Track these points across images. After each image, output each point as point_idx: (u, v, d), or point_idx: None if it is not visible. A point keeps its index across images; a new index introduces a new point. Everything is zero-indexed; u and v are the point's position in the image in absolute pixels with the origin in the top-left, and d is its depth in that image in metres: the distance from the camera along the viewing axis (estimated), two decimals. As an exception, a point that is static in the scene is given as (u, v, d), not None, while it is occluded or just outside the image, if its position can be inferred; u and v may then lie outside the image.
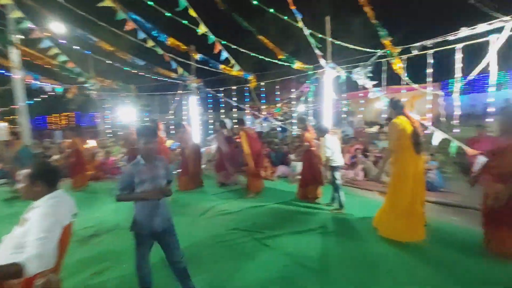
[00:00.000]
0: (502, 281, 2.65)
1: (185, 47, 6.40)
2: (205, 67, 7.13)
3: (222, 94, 8.55)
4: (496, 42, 4.53)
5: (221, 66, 6.88)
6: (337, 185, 4.64)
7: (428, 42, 5.30)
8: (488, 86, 5.05)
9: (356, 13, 15.75)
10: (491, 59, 4.54)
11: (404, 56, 5.76)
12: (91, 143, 9.68)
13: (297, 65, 6.80)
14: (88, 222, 4.42)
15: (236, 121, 6.00)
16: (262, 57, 6.49)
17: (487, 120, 5.69)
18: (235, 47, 6.43)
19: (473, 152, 4.88)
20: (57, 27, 6.61)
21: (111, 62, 8.07)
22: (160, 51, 6.17)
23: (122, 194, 2.19)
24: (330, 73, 6.48)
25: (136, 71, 8.29)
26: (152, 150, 2.24)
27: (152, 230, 2.24)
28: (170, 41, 6.04)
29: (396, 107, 3.60)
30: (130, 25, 5.37)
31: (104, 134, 11.39)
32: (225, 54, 5.80)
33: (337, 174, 4.68)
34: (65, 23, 6.58)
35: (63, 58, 6.88)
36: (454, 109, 5.34)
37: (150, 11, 5.38)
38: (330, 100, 6.75)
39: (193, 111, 7.93)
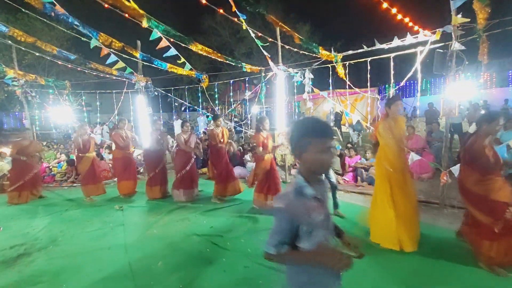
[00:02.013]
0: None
1: (120, 44, 5.59)
2: (152, 65, 6.67)
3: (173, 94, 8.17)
4: (421, 54, 5.21)
5: (168, 66, 6.43)
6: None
7: (367, 49, 5.83)
8: (416, 92, 5.78)
9: (305, 19, 16.67)
10: (417, 68, 5.21)
11: (346, 62, 6.25)
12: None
13: (248, 67, 6.81)
14: (16, 240, 3.81)
15: (213, 116, 5.66)
16: (215, 57, 6.35)
17: (416, 121, 6.51)
18: (184, 46, 6.12)
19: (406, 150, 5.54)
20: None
21: (40, 54, 7.04)
22: (95, 42, 5.32)
23: (283, 253, 1.19)
24: (281, 74, 6.69)
25: (71, 66, 7.33)
26: (329, 165, 1.23)
27: None
28: (102, 38, 5.22)
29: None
30: (38, 4, 4.42)
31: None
32: (173, 52, 5.45)
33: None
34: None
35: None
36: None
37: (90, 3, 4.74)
38: (283, 101, 6.98)
39: (141, 111, 7.40)
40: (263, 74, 6.68)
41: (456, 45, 4.42)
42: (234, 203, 5.11)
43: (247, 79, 7.51)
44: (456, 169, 4.39)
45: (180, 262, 3.14)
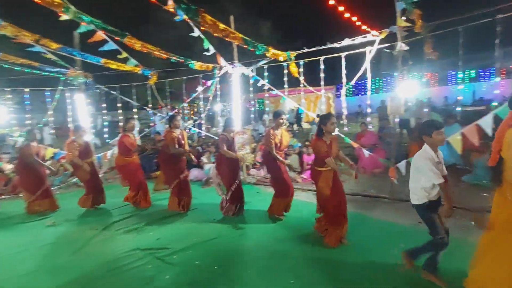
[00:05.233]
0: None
1: (29, 36, 4.60)
2: (86, 61, 5.79)
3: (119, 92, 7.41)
4: (370, 53, 5.32)
5: (102, 60, 5.61)
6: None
7: (318, 48, 5.80)
8: (367, 90, 5.96)
9: (260, 17, 16.64)
10: (367, 66, 5.32)
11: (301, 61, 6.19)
12: None
13: (198, 65, 6.29)
14: None
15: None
16: (158, 55, 5.67)
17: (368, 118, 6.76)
18: (132, 41, 5.42)
19: (357, 145, 5.69)
20: None
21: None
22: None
23: None
24: (235, 73, 6.40)
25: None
26: None
27: None
28: (6, 29, 4.19)
29: None
30: None
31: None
32: (113, 46, 4.78)
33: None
34: None
35: None
36: (342, 109, 6.09)
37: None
38: (238, 99, 6.72)
39: (81, 111, 6.63)
40: (217, 72, 6.36)
41: (401, 46, 4.57)
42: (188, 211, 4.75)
43: (201, 76, 7.10)
44: (402, 165, 4.57)
45: (118, 283, 2.77)
